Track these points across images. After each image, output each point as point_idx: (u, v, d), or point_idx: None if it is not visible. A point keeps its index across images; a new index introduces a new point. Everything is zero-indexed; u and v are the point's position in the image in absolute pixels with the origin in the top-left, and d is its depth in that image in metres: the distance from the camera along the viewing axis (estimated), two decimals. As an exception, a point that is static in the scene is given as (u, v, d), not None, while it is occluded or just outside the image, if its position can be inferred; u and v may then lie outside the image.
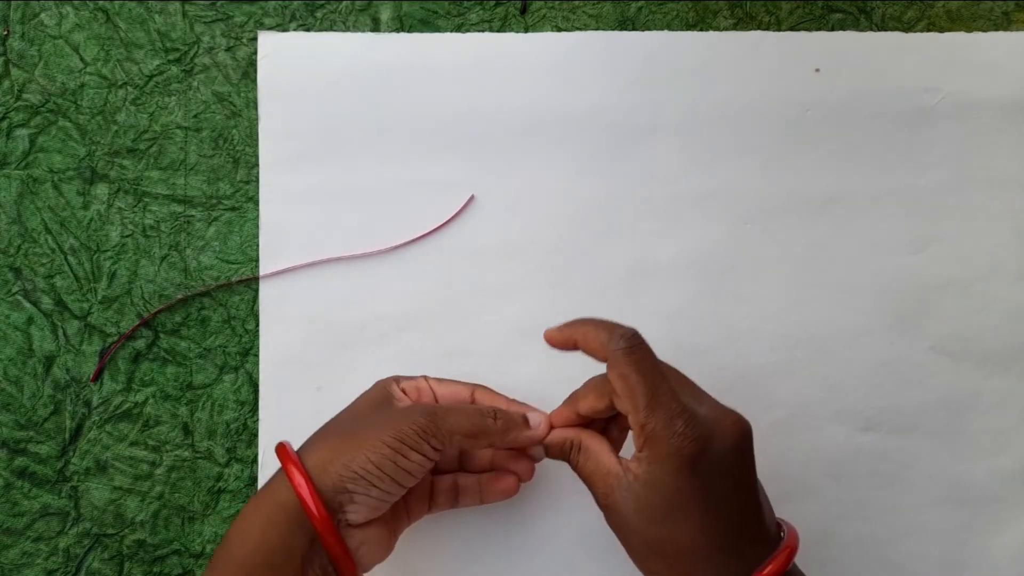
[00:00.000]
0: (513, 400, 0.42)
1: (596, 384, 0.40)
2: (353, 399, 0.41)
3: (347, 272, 0.47)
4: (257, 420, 0.46)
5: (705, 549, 0.35)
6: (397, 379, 0.42)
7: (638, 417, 0.35)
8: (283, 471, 0.37)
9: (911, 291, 0.47)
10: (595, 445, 0.38)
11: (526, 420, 0.40)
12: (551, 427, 0.40)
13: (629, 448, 0.38)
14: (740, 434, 0.36)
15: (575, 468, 0.39)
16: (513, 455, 0.42)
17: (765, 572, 0.34)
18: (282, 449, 0.37)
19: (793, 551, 0.35)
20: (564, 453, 0.39)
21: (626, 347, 0.36)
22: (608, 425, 0.41)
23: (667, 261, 0.47)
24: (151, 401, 0.47)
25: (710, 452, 0.35)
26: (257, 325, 0.47)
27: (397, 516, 0.40)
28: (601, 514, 0.38)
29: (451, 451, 0.38)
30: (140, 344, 0.47)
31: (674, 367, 0.39)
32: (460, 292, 0.47)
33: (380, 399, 0.40)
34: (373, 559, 0.38)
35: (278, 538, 0.35)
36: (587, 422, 0.40)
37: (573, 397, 0.40)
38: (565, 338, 0.39)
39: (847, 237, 0.47)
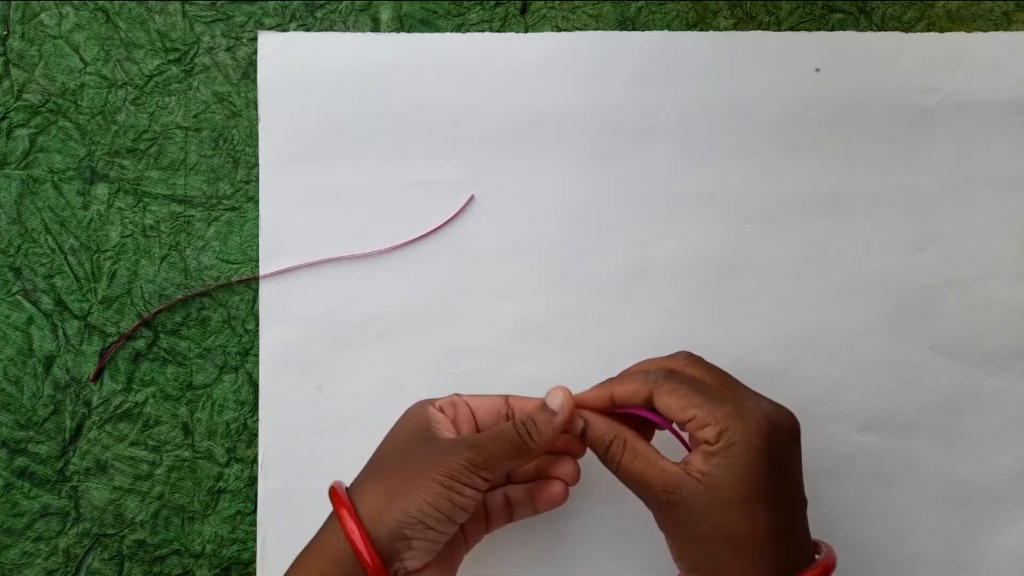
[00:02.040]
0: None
1: (634, 374, 0.39)
2: (386, 425, 0.40)
3: (347, 272, 0.47)
4: (257, 420, 0.46)
5: (773, 532, 0.35)
6: (431, 400, 0.40)
7: (706, 413, 0.36)
8: (336, 519, 0.36)
9: (911, 291, 0.47)
10: (642, 446, 0.38)
11: (546, 407, 0.38)
12: (573, 405, 0.39)
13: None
14: (795, 426, 0.38)
15: (617, 465, 0.38)
16: (554, 459, 0.41)
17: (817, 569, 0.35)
18: (335, 494, 0.36)
19: (831, 567, 0.36)
20: (603, 445, 0.38)
21: (665, 375, 0.38)
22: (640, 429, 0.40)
23: (667, 261, 0.47)
24: (151, 401, 0.47)
25: (777, 436, 0.36)
26: (257, 325, 0.47)
27: (454, 549, 0.39)
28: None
29: (500, 477, 0.37)
30: (140, 344, 0.47)
31: (721, 368, 0.40)
32: (460, 292, 0.47)
33: (419, 428, 0.38)
34: None
35: None
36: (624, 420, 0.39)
37: (609, 382, 0.39)
38: (599, 395, 0.39)
39: (847, 237, 0.47)
